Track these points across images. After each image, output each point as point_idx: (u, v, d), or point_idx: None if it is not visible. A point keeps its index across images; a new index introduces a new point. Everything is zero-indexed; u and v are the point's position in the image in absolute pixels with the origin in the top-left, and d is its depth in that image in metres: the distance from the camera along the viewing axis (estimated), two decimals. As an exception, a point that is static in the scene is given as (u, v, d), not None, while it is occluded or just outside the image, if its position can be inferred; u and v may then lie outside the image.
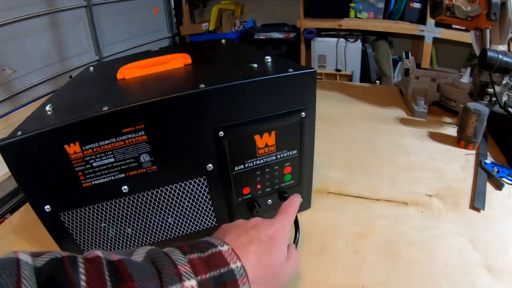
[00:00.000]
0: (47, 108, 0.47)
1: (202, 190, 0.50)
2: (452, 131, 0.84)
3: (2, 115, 1.83)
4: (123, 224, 0.50)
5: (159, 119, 0.43)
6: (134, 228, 0.51)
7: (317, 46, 2.65)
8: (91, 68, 0.71)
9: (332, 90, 1.17)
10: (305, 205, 0.62)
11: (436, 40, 2.31)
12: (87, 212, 0.47)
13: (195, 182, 0.49)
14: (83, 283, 0.26)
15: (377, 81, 2.58)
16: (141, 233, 0.51)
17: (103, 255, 0.29)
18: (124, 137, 0.43)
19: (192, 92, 0.43)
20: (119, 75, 0.55)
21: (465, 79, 0.93)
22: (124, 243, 0.52)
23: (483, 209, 0.60)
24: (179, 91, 0.43)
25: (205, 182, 0.50)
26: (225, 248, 0.34)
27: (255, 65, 0.50)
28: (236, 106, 0.46)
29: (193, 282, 0.30)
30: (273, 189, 0.55)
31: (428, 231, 0.56)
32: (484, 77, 0.81)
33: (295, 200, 0.48)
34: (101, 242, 0.51)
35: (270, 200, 0.56)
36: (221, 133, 0.46)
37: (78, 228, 0.48)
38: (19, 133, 0.41)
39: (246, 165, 0.50)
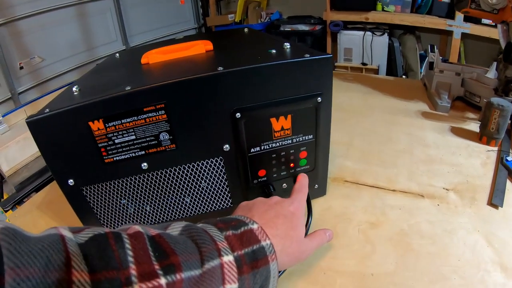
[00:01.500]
0: (74, 88, 0.50)
1: (219, 170, 0.52)
2: (475, 126, 0.82)
3: (30, 101, 1.91)
4: (142, 201, 0.52)
5: (179, 99, 0.45)
6: (153, 206, 0.53)
7: (343, 39, 2.62)
8: (117, 54, 0.74)
9: (355, 82, 1.16)
10: (320, 191, 0.62)
11: (465, 36, 2.25)
12: (108, 187, 0.49)
13: (212, 162, 0.51)
14: (130, 259, 0.27)
15: (404, 76, 2.53)
16: (159, 211, 0.54)
17: (143, 230, 0.30)
18: (145, 116, 0.45)
19: (210, 74, 0.44)
20: (143, 60, 0.57)
21: (491, 74, 0.90)
22: (143, 220, 0.54)
23: (501, 206, 0.58)
24: (198, 73, 0.44)
25: (222, 163, 0.51)
26: (255, 226, 0.37)
27: (274, 51, 0.51)
28: (253, 89, 0.47)
29: (231, 258, 0.32)
30: (288, 173, 0.56)
31: (442, 225, 0.56)
32: (509, 72, 0.78)
33: (305, 180, 0.52)
34: (121, 218, 0.53)
35: (285, 184, 0.57)
36: (238, 115, 0.47)
37: (99, 203, 0.51)
38: (47, 110, 0.43)
39: (262, 147, 0.51)
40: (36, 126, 0.43)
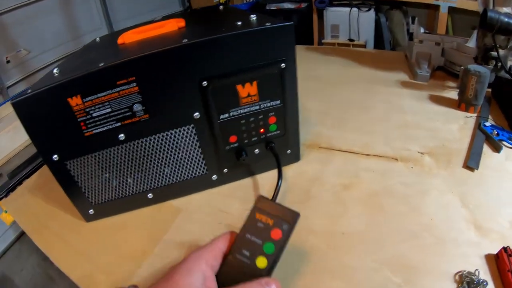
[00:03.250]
0: (54, 71, 0.52)
1: (191, 138, 0.55)
2: (454, 94, 0.82)
3: (18, 93, 1.91)
4: (124, 173, 0.55)
5: (148, 72, 0.48)
6: (134, 177, 0.56)
7: (329, 15, 2.59)
8: (97, 38, 0.76)
9: (334, 55, 1.16)
10: (293, 157, 0.65)
11: (452, 10, 2.24)
12: (90, 160, 0.52)
13: (184, 130, 0.53)
14: None
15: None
16: (141, 182, 0.56)
17: None
18: (118, 89, 0.47)
19: (175, 47, 0.47)
20: (120, 41, 0.59)
21: (471, 43, 0.89)
22: (126, 192, 0.57)
23: (477, 169, 0.59)
24: (165, 46, 0.47)
25: (194, 130, 0.54)
26: None
27: (239, 23, 0.52)
28: (217, 58, 0.49)
29: None
30: (259, 139, 0.58)
31: (416, 186, 0.57)
32: (488, 40, 0.78)
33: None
34: (105, 191, 0.56)
35: (257, 150, 0.59)
36: (205, 83, 0.50)
37: (83, 176, 0.53)
38: (29, 90, 0.46)
39: (231, 113, 0.54)
40: (20, 106, 0.46)
